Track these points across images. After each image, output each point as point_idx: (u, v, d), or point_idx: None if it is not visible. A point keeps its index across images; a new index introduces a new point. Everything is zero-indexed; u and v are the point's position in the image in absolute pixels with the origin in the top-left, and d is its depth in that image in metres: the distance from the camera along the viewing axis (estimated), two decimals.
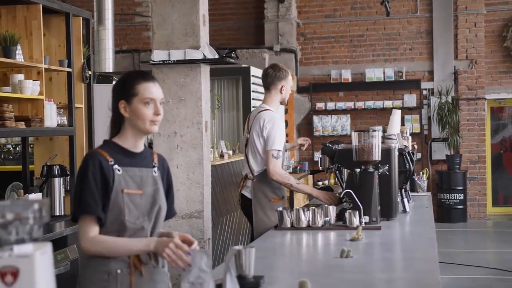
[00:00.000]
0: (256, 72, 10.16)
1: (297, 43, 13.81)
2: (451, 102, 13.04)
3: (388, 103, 13.32)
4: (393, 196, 4.87)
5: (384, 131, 5.71)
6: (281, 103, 5.55)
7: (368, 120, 13.48)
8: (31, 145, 6.52)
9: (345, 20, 13.73)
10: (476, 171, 13.29)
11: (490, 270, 8.85)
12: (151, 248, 2.84)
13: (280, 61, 12.90)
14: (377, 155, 4.64)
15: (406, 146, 5.98)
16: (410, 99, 13.34)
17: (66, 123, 5.84)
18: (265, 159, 5.27)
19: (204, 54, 5.87)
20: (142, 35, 14.01)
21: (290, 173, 8.26)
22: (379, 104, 13.39)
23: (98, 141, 6.00)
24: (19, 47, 5.35)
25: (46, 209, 1.88)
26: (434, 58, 13.39)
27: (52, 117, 5.61)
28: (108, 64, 10.52)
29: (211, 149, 7.20)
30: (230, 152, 8.63)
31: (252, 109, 9.76)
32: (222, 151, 8.40)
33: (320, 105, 13.64)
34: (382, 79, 13.44)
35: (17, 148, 8.87)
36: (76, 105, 6.01)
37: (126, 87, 2.95)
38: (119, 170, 2.88)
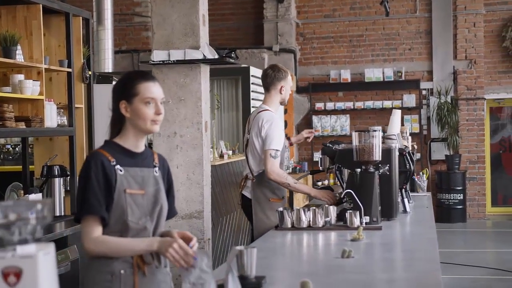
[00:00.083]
0: (255, 72, 10.16)
1: (296, 43, 13.81)
2: (450, 102, 13.05)
3: (387, 103, 13.33)
4: (394, 196, 4.87)
5: (384, 131, 5.70)
6: (281, 103, 5.55)
7: (368, 120, 13.48)
8: (31, 146, 6.51)
9: (345, 20, 13.73)
10: (476, 171, 13.29)
11: (490, 270, 8.85)
12: (154, 248, 2.84)
13: (279, 61, 12.91)
14: (377, 155, 4.64)
15: (406, 146, 5.98)
16: (410, 99, 13.34)
17: (66, 123, 5.83)
18: (263, 159, 5.27)
19: (204, 54, 5.87)
20: (141, 35, 14.00)
21: (289, 173, 8.26)
22: (378, 104, 13.39)
23: (98, 142, 6.00)
24: (19, 47, 5.34)
25: (49, 209, 1.87)
26: (433, 58, 13.39)
27: (52, 117, 5.60)
28: (107, 64, 10.52)
29: (211, 149, 7.20)
30: (230, 152, 8.63)
31: (252, 109, 9.77)
32: (221, 151, 8.40)
33: (319, 105, 13.64)
34: (382, 79, 13.44)
35: (17, 149, 8.86)
36: (76, 105, 6.00)
37: (126, 87, 2.95)
38: (121, 171, 2.88)
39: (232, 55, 6.14)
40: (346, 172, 5.07)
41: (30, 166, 6.02)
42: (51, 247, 1.82)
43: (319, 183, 12.77)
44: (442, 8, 13.30)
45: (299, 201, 9.82)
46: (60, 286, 1.90)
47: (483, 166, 13.33)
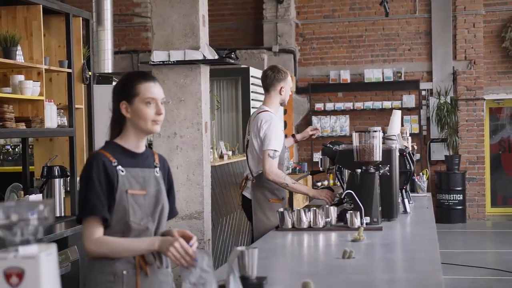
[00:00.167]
0: (255, 72, 10.16)
1: (296, 43, 13.81)
2: (450, 102, 13.05)
3: (387, 104, 13.33)
4: (394, 196, 4.87)
5: (383, 131, 5.70)
6: (281, 104, 5.56)
7: (367, 120, 13.48)
8: (30, 146, 6.51)
9: (344, 20, 13.73)
10: (475, 172, 13.30)
11: (490, 270, 8.86)
12: (155, 247, 2.83)
13: (279, 61, 12.91)
14: (378, 156, 4.64)
15: (406, 147, 5.98)
16: (409, 100, 13.34)
17: (66, 124, 5.83)
18: (261, 159, 5.28)
19: (204, 55, 5.87)
20: (141, 35, 14.00)
21: (289, 173, 8.26)
22: (378, 104, 13.39)
23: (98, 142, 6.00)
24: (19, 47, 5.34)
25: (51, 210, 1.87)
26: (433, 59, 13.40)
27: (52, 118, 5.60)
28: (107, 64, 10.51)
29: (211, 150, 7.20)
30: (230, 153, 8.63)
31: (252, 109, 9.78)
32: (221, 152, 8.40)
33: (319, 106, 13.65)
34: (381, 80, 13.45)
35: (16, 149, 8.86)
36: (76, 106, 6.00)
37: (127, 88, 2.95)
38: (122, 171, 2.88)
39: (232, 55, 6.14)
40: (346, 172, 5.07)
41: (30, 167, 6.02)
42: (53, 248, 1.82)
43: (319, 184, 12.77)
44: (441, 8, 13.30)
45: (299, 201, 9.82)
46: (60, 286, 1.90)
47: (482, 167, 13.34)
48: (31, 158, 6.25)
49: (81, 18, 6.23)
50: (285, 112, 11.85)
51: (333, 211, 4.58)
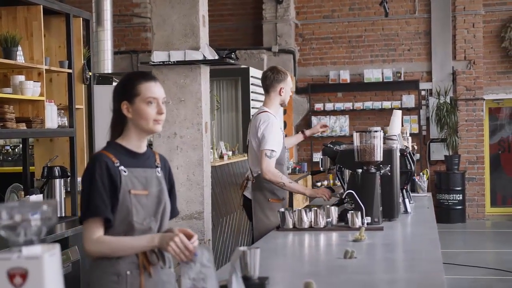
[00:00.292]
0: (255, 73, 10.16)
1: (296, 44, 13.81)
2: (449, 102, 13.05)
3: (386, 104, 13.33)
4: (395, 196, 4.87)
5: (383, 131, 5.71)
6: (281, 105, 5.57)
7: (367, 120, 13.48)
8: (30, 146, 6.50)
9: (344, 21, 13.73)
10: (475, 172, 13.30)
11: (490, 270, 8.86)
12: (155, 243, 2.82)
13: (278, 62, 12.91)
14: (378, 156, 4.64)
15: (406, 147, 5.98)
16: (409, 100, 13.34)
17: (66, 124, 5.83)
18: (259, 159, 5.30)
19: (204, 55, 5.87)
20: (140, 36, 14.00)
21: (289, 174, 8.26)
22: (377, 104, 13.39)
23: (98, 142, 6.00)
24: (19, 48, 5.34)
25: (54, 211, 1.87)
26: (432, 59, 13.40)
27: (52, 118, 5.60)
28: (107, 65, 10.50)
29: (211, 150, 7.20)
30: (230, 153, 8.63)
31: (252, 110, 9.79)
32: (221, 152, 8.40)
33: (318, 106, 13.65)
34: (381, 80, 13.45)
35: (16, 150, 8.85)
36: (77, 106, 6.00)
37: (128, 88, 2.95)
38: (125, 171, 2.88)
39: (232, 56, 6.14)
40: (347, 172, 5.07)
41: (31, 167, 6.02)
42: (56, 248, 1.82)
43: (319, 184, 12.77)
44: (441, 8, 13.30)
45: (299, 202, 9.82)
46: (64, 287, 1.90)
47: (482, 167, 13.34)
48: (32, 158, 6.24)
49: (81, 18, 6.23)
50: (284, 112, 11.86)
51: (334, 211, 4.58)
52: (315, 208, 4.51)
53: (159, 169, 3.02)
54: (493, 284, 8.31)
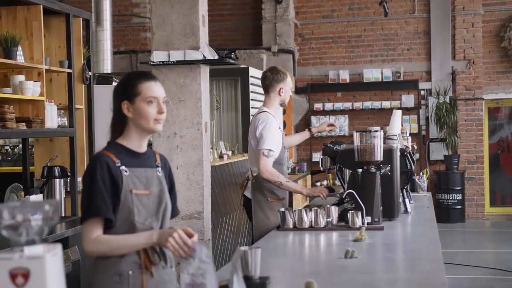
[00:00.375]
0: (254, 72, 10.16)
1: (295, 43, 13.81)
2: (449, 102, 13.05)
3: (386, 104, 13.33)
4: (395, 196, 4.87)
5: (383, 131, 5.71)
6: (281, 105, 5.58)
7: (366, 120, 13.48)
8: (30, 146, 6.50)
9: (343, 20, 13.73)
10: (474, 171, 13.30)
11: (489, 270, 8.86)
12: (154, 239, 2.82)
13: (278, 61, 12.91)
14: (379, 156, 4.64)
15: (406, 147, 5.98)
16: (408, 100, 13.35)
17: (66, 124, 5.83)
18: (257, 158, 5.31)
19: (203, 55, 5.86)
20: (139, 36, 13.99)
21: (288, 173, 8.26)
22: (377, 104, 13.39)
23: (98, 142, 6.00)
24: (19, 48, 5.34)
25: (56, 210, 1.87)
26: (431, 59, 13.40)
27: (52, 118, 5.60)
28: (106, 65, 10.49)
29: (211, 150, 7.20)
30: (230, 153, 8.62)
31: (251, 109, 9.79)
32: (221, 152, 8.39)
33: (318, 106, 13.65)
34: (380, 80, 13.45)
35: (15, 150, 8.85)
36: (77, 106, 6.00)
37: (128, 87, 2.95)
38: (126, 171, 2.87)
39: (232, 55, 6.14)
40: (347, 172, 5.07)
41: (30, 167, 6.01)
42: (58, 248, 1.82)
43: (318, 184, 12.77)
44: (440, 8, 13.31)
45: (299, 201, 9.82)
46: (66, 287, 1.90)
47: (481, 166, 13.34)
48: (31, 158, 6.24)
49: (81, 18, 6.23)
50: (284, 112, 11.85)
51: (334, 211, 4.59)
52: (316, 208, 4.51)
53: (159, 168, 3.02)
54: (492, 284, 8.31)
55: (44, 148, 6.05)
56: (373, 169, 4.64)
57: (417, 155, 12.65)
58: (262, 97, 5.72)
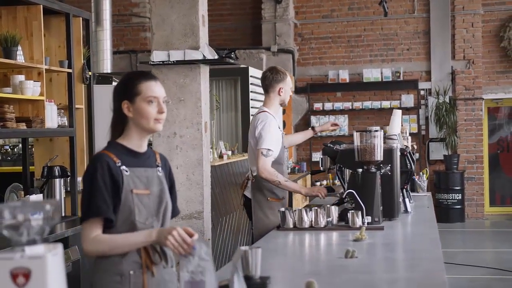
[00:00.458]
0: (254, 72, 10.16)
1: (295, 43, 13.81)
2: (448, 102, 13.05)
3: (385, 104, 13.33)
4: (395, 196, 4.88)
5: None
6: (281, 105, 5.59)
7: (366, 120, 13.48)
8: (30, 146, 6.50)
9: (343, 20, 13.73)
10: (474, 171, 13.30)
11: (489, 270, 8.86)
12: (153, 237, 2.81)
13: (277, 61, 12.91)
14: (379, 155, 4.64)
15: (406, 146, 5.99)
16: (408, 99, 13.35)
17: (66, 124, 5.82)
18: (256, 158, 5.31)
19: (203, 55, 5.86)
20: (139, 35, 13.99)
21: (288, 173, 8.26)
22: (376, 104, 13.39)
23: (98, 142, 5.99)
24: (19, 47, 5.34)
25: (56, 210, 1.87)
26: (431, 58, 13.40)
27: (52, 118, 5.59)
28: (106, 65, 10.49)
29: (210, 150, 7.20)
30: (229, 152, 8.63)
31: (251, 109, 9.79)
32: (221, 152, 8.39)
33: (317, 106, 13.65)
34: (380, 80, 13.45)
35: (15, 149, 8.84)
36: (77, 106, 6.00)
37: (128, 87, 2.94)
38: (126, 171, 2.87)
39: (232, 55, 6.14)
40: (347, 172, 5.07)
41: (30, 167, 6.01)
42: (59, 248, 1.82)
43: (318, 184, 12.77)
44: (440, 8, 13.31)
45: (299, 201, 9.82)
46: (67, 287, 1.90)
47: (481, 166, 13.35)
48: (31, 158, 6.24)
49: (81, 18, 6.23)
50: (284, 112, 11.85)
51: (335, 210, 4.59)
52: (316, 208, 4.51)
53: (160, 168, 3.02)
54: (492, 284, 8.31)
55: (44, 148, 6.05)
56: (373, 169, 4.64)
57: (417, 155, 12.64)
58: (262, 97, 5.73)
